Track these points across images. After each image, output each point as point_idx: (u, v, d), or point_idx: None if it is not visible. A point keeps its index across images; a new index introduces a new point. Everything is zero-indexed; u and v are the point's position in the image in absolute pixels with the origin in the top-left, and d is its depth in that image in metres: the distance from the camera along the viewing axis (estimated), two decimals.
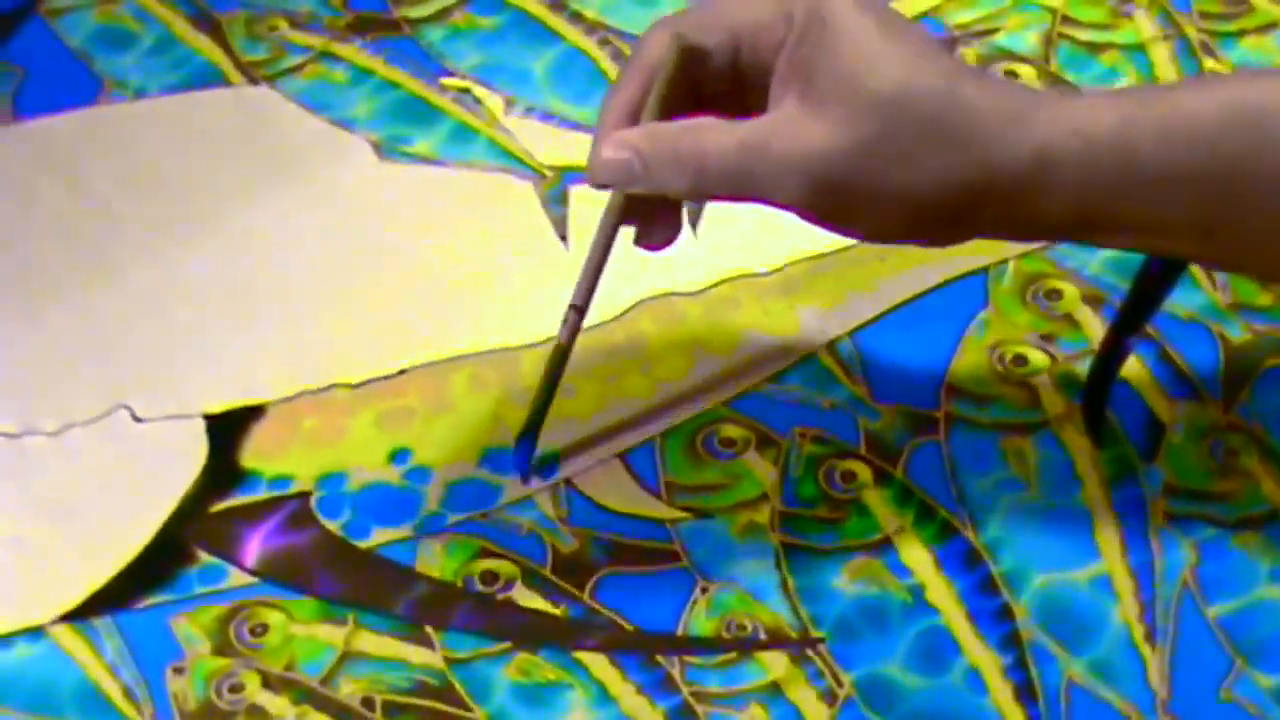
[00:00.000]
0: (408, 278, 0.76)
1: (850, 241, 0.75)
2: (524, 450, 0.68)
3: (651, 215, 0.65)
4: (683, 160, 0.61)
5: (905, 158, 0.58)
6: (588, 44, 0.85)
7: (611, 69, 0.83)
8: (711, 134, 0.61)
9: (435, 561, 0.67)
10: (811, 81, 0.59)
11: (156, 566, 0.67)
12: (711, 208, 0.76)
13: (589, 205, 0.77)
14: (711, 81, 0.63)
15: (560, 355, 0.66)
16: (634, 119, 0.63)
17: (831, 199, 0.60)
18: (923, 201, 0.59)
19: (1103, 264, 0.74)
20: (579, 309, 0.65)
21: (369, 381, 0.72)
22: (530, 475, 0.69)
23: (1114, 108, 0.58)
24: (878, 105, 0.58)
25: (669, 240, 0.66)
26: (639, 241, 0.66)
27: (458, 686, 0.63)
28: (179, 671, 0.64)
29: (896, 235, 0.61)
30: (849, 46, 0.59)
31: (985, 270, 0.74)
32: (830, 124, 0.59)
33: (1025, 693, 0.62)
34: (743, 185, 0.61)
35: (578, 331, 0.66)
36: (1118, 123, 0.58)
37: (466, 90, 0.83)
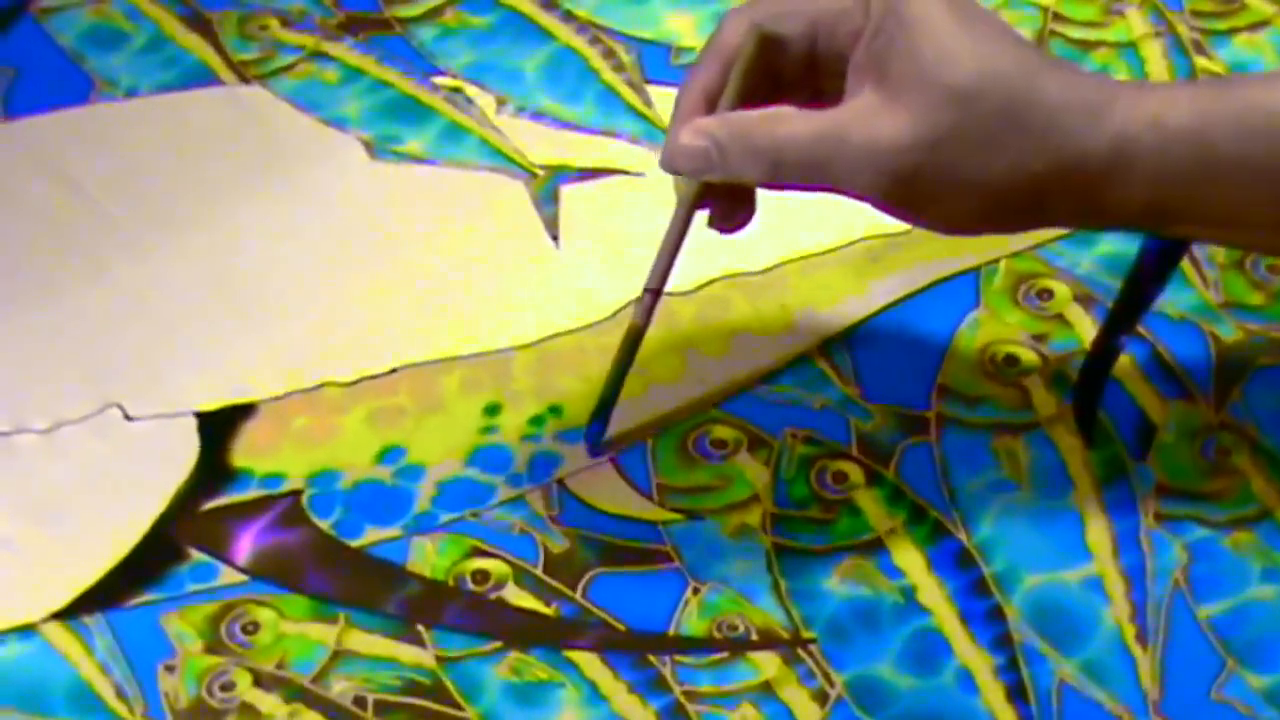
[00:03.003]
0: (399, 276, 0.76)
1: (839, 242, 0.75)
2: (596, 430, 0.66)
3: (728, 199, 0.64)
4: (759, 150, 0.61)
5: (981, 149, 0.58)
6: (579, 43, 0.85)
7: (603, 68, 0.83)
8: (788, 123, 0.61)
9: (426, 560, 0.67)
10: (887, 72, 0.59)
11: (148, 564, 0.67)
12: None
13: (580, 204, 0.77)
14: (788, 69, 0.64)
15: (634, 336, 0.64)
16: (711, 105, 0.63)
17: (907, 189, 0.60)
18: (998, 192, 0.59)
19: (1094, 263, 0.74)
20: (654, 291, 0.64)
21: (360, 380, 0.72)
22: (601, 453, 0.68)
23: (1190, 100, 0.58)
24: (954, 97, 0.58)
25: (744, 223, 0.65)
26: (713, 224, 0.65)
27: (449, 685, 0.63)
28: (170, 670, 0.64)
29: (970, 225, 0.62)
30: (924, 37, 0.59)
31: (977, 270, 0.74)
32: (906, 115, 0.59)
33: (1017, 693, 0.62)
34: (818, 175, 0.61)
35: (652, 312, 0.64)
36: (1195, 115, 0.58)
37: (458, 89, 0.83)
